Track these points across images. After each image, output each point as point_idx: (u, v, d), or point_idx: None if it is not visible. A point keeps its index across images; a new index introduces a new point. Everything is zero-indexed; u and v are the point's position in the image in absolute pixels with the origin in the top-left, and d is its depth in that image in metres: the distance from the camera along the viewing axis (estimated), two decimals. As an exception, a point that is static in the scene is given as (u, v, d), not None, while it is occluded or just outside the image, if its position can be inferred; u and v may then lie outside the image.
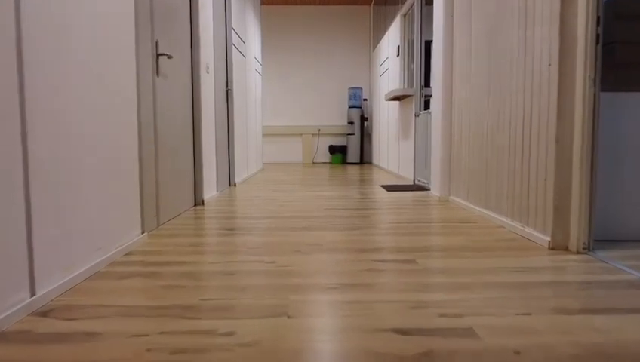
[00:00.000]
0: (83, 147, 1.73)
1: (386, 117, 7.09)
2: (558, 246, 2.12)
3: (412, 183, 5.11)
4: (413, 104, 5.14)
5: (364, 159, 9.29)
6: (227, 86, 4.86)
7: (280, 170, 7.53)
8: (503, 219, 2.65)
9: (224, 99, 4.69)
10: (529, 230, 2.33)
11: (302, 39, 9.25)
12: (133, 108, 2.22)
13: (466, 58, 3.31)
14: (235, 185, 4.99)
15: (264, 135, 9.30)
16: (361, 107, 8.85)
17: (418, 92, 5.06)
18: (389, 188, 4.70)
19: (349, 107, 8.85)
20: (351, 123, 8.80)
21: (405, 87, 5.68)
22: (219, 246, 2.23)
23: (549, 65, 2.14)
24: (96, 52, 1.85)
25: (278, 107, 9.34)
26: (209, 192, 3.83)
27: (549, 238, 2.13)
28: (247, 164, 5.93)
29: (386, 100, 5.98)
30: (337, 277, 1.71)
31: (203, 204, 3.60)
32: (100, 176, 1.86)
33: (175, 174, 3.05)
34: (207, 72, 3.81)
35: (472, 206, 3.17)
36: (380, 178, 5.92)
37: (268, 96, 9.31)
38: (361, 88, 8.85)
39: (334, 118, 9.36)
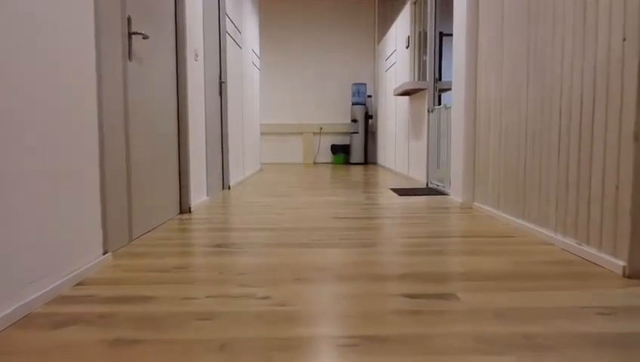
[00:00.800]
0: (20, 148, 1.25)
1: (393, 114, 6.61)
2: (638, 273, 1.64)
3: (425, 186, 4.63)
4: (426, 99, 4.67)
5: (369, 159, 8.82)
6: (220, 78, 4.38)
7: (279, 170, 7.06)
8: (550, 233, 2.18)
9: (216, 93, 4.21)
10: (590, 250, 1.85)
11: (303, 32, 8.78)
12: (90, 98, 1.75)
13: (496, 44, 2.84)
14: (229, 188, 4.52)
15: (262, 133, 8.82)
16: (365, 104, 8.38)
17: (432, 85, 4.59)
18: (401, 191, 4.22)
19: (353, 104, 8.37)
20: (354, 121, 8.32)
21: (416, 80, 5.20)
22: (199, 271, 1.75)
23: (624, 39, 1.66)
24: (30, 25, 1.37)
25: (277, 104, 8.87)
26: (198, 198, 3.35)
27: (623, 263, 1.65)
28: (244, 164, 5.46)
29: (395, 95, 5.51)
30: (355, 325, 1.24)
31: (190, 211, 3.13)
32: (42, 184, 1.38)
33: (155, 178, 2.57)
34: (196, 60, 3.33)
35: (505, 215, 2.70)
36: (387, 180, 5.45)
37: (267, 92, 8.83)
38: (365, 84, 8.37)
39: (337, 115, 8.88)
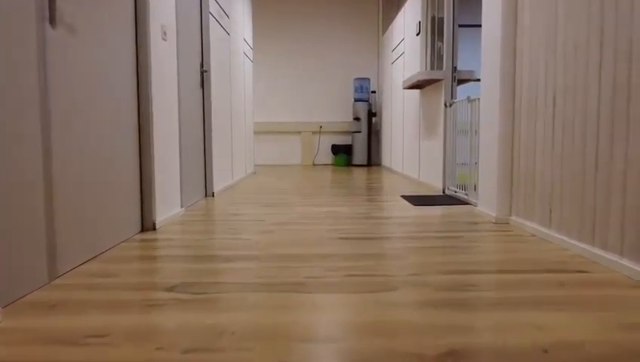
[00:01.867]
0: None
1: (401, 110, 5.96)
2: None
3: (442, 193, 3.98)
4: (442, 91, 4.02)
5: (372, 160, 8.17)
6: (202, 66, 3.73)
7: (275, 173, 6.41)
8: (647, 270, 1.53)
9: (197, 84, 3.56)
10: None
11: (300, 23, 8.13)
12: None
13: (546, 18, 2.19)
14: (213, 195, 3.86)
15: (257, 133, 8.17)
16: (368, 100, 7.73)
17: (449, 76, 3.94)
18: (415, 200, 3.57)
19: (355, 100, 7.73)
20: (357, 119, 7.67)
21: (429, 70, 4.54)
22: (124, 344, 1.10)
23: None
24: None
25: (273, 101, 8.21)
26: (167, 211, 2.70)
27: None
28: (233, 167, 4.81)
29: (404, 88, 4.87)
30: None
31: (154, 229, 2.48)
32: None
33: (101, 191, 1.92)
34: (164, 39, 2.68)
35: (561, 237, 2.05)
36: (396, 185, 4.79)
37: (261, 87, 8.18)
38: (369, 79, 7.72)
39: (338, 113, 8.23)
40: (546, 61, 2.20)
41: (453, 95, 3.95)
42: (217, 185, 4.03)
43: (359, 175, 6.06)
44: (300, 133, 8.22)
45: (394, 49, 6.48)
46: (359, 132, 7.69)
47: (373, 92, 8.06)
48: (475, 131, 3.25)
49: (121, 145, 2.17)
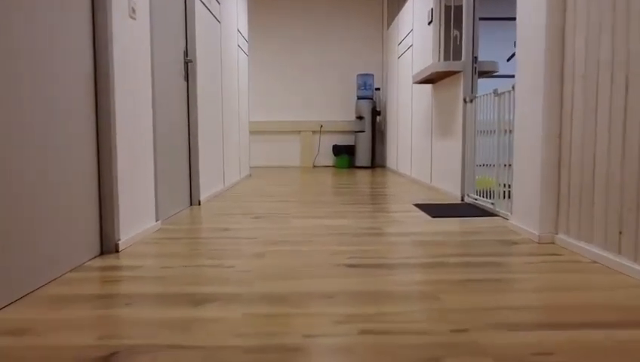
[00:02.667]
0: None
1: (409, 107, 5.47)
2: None
3: (460, 201, 3.50)
4: (461, 85, 3.53)
5: (376, 162, 7.69)
6: (186, 55, 3.25)
7: (272, 176, 5.92)
8: None
9: (179, 75, 3.08)
10: None
11: (300, 16, 7.64)
12: None
13: (615, -25, 1.70)
14: (199, 203, 3.38)
15: (253, 132, 7.69)
16: (372, 98, 7.24)
17: (469, 67, 3.45)
18: (431, 210, 3.08)
19: (358, 98, 7.24)
20: (360, 117, 7.18)
21: (444, 61, 4.04)
22: None
23: None
24: None
25: (270, 98, 7.73)
26: (136, 226, 2.22)
27: None
28: (224, 171, 4.32)
29: (414, 83, 4.39)
30: None
31: (117, 251, 2.00)
32: None
33: (38, 201, 1.44)
34: (133, 17, 2.20)
35: (637, 267, 1.56)
36: (406, 190, 4.31)
37: (258, 84, 7.69)
38: (373, 75, 7.23)
39: (339, 111, 7.75)
40: (612, 33, 1.72)
41: (473, 89, 3.46)
42: (205, 192, 3.54)
43: (363, 178, 5.58)
44: (299, 132, 7.74)
45: (400, 42, 5.99)
46: (362, 131, 7.20)
47: (378, 89, 7.58)
48: (506, 130, 2.77)
49: (71, 153, 1.69)
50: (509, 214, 2.52)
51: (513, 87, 2.53)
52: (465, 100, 3.46)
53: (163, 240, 2.22)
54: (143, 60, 2.32)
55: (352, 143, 7.72)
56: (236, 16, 4.96)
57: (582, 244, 1.91)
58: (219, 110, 4.09)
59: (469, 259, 1.85)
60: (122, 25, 2.07)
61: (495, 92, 2.90)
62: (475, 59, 3.44)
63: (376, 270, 1.71)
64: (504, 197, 2.83)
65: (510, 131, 2.64)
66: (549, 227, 2.13)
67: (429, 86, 4.54)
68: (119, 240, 2.01)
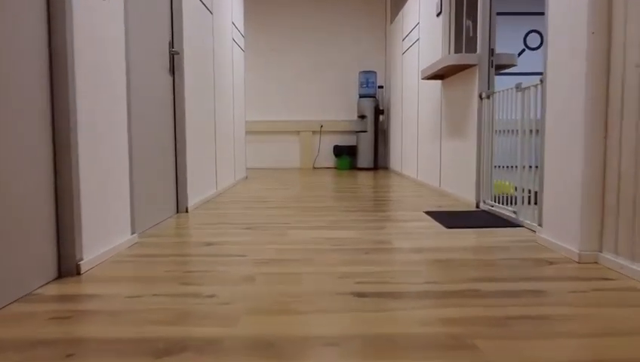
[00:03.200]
0: None
1: (415, 105, 5.15)
2: None
3: (476, 208, 3.17)
4: (476, 80, 3.21)
5: (379, 163, 7.36)
6: (171, 46, 2.92)
7: (269, 179, 5.59)
8: None
9: (163, 69, 2.75)
10: None
11: (299, 11, 7.31)
12: None
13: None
14: (186, 211, 3.05)
15: (250, 133, 7.36)
16: (375, 96, 6.92)
17: (486, 60, 3.13)
18: (443, 219, 2.76)
19: (360, 97, 6.92)
20: (362, 117, 6.86)
21: (455, 54, 3.71)
22: None
23: None
24: None
25: (268, 97, 7.40)
26: (105, 242, 1.89)
27: None
28: (217, 174, 3.99)
29: (423, 79, 4.06)
30: None
31: (78, 273, 1.67)
32: None
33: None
34: (100, -3, 1.87)
35: None
36: (413, 196, 3.98)
37: (255, 81, 7.37)
38: (375, 73, 6.91)
39: (341, 110, 7.42)
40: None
41: (490, 84, 3.14)
42: (194, 198, 3.22)
43: (366, 181, 5.25)
44: (298, 133, 7.41)
45: (405, 37, 5.67)
46: (365, 131, 6.88)
47: (381, 87, 7.25)
48: (531, 131, 2.44)
49: (11, 150, 1.36)
50: (537, 226, 2.20)
51: (541, 81, 2.20)
52: (481, 96, 3.13)
53: (136, 259, 1.89)
54: (114, 48, 1.99)
55: (354, 144, 7.40)
56: (231, 7, 4.64)
57: (636, 266, 1.58)
58: (211, 108, 3.76)
59: (502, 286, 1.52)
60: (87, 5, 1.74)
61: (518, 87, 2.58)
62: (491, 51, 3.12)
63: (390, 301, 1.38)
64: (529, 202, 2.51)
65: (535, 131, 2.32)
66: (592, 244, 1.81)
67: (438, 82, 4.21)
68: (81, 260, 1.69)
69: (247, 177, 5.71)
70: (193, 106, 3.22)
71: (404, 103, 5.77)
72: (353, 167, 7.26)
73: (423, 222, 2.69)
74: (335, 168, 7.34)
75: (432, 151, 4.41)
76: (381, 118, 7.34)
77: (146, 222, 2.47)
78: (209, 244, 2.14)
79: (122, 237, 2.06)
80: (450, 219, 2.73)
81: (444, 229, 2.48)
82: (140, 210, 2.35)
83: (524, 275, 1.64)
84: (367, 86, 6.87)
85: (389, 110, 7.00)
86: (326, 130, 7.38)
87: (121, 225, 2.06)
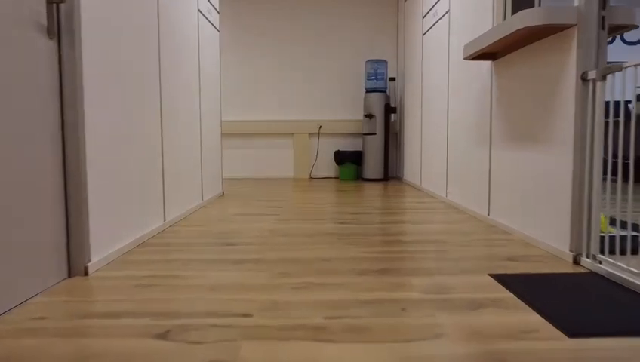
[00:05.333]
0: None
1: (442, 100, 3.88)
2: None
3: (573, 262, 1.90)
4: (573, 51, 1.94)
5: (390, 173, 6.11)
6: (46, -13, 1.65)
7: (251, 196, 4.33)
8: None
9: (31, 27, 1.48)
10: None
11: (293, -11, 6.06)
12: None
13: None
14: (85, 272, 1.78)
15: (230, 136, 6.10)
16: (385, 91, 5.66)
17: (594, 16, 1.87)
18: (538, 298, 1.49)
19: (367, 91, 5.66)
20: (369, 116, 5.60)
21: (502, 20, 2.43)
22: None
23: None
24: None
25: (253, 91, 6.13)
26: None
27: None
28: (165, 198, 2.72)
29: (467, 58, 2.81)
30: None
31: None
32: None
33: None
34: None
35: None
36: (453, 232, 2.72)
37: (236, 73, 6.10)
38: (386, 62, 5.65)
39: (343, 108, 6.15)
40: None
41: (600, 56, 1.87)
42: (107, 246, 1.95)
43: (378, 200, 3.99)
44: (292, 135, 6.15)
45: (426, 13, 4.42)
46: (373, 134, 5.62)
47: (393, 79, 5.98)
48: None
49: None
50: None
51: None
52: (584, 78, 1.87)
53: None
54: None
55: (360, 149, 6.14)
56: (193, -35, 3.38)
57: None
58: (153, 102, 2.49)
59: None
60: None
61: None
62: (602, 3, 1.85)
63: None
64: None
65: None
66: None
67: (484, 65, 2.95)
68: None
69: (223, 194, 4.45)
70: (107, 98, 1.95)
71: (426, 98, 4.51)
72: (358, 177, 5.99)
73: (501, 308, 1.42)
74: (337, 178, 6.08)
75: (474, 163, 3.14)
76: (393, 117, 6.08)
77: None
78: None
79: None
80: (551, 298, 1.47)
81: (560, 335, 1.22)
82: None
83: None
84: (375, 78, 5.61)
85: (402, 107, 5.73)
86: (325, 131, 6.11)
87: None
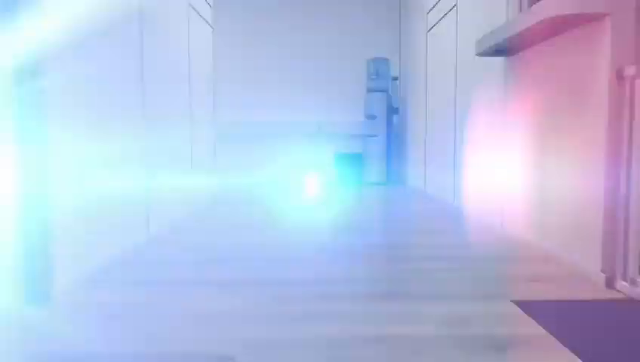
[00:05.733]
0: None
1: (450, 99, 3.65)
2: None
3: (607, 287, 1.66)
4: (607, 44, 1.70)
5: (393, 176, 5.86)
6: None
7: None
8: None
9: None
10: None
11: (291, -16, 5.82)
12: None
13: None
14: None
15: (223, 137, 5.86)
16: (387, 91, 5.42)
17: (633, 2, 1.63)
18: (575, 342, 1.25)
19: (369, 91, 5.42)
20: (371, 117, 5.36)
21: (519, 11, 2.18)
22: None
23: None
24: None
25: (248, 91, 5.88)
26: None
27: None
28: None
29: (479, 55, 2.57)
30: None
31: None
32: None
33: None
34: None
35: None
36: (469, 246, 2.49)
37: (230, 72, 5.85)
38: (388, 60, 5.41)
39: (343, 109, 5.90)
40: None
41: (638, 51, 1.63)
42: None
43: (386, 209, 3.75)
44: (287, 137, 5.90)
45: (432, 8, 4.18)
46: (374, 136, 5.37)
47: (395, 78, 5.74)
48: None
49: None
50: None
51: None
52: (619, 75, 1.63)
53: None
54: None
55: (360, 151, 5.89)
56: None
57: None
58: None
59: None
60: None
61: None
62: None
63: None
64: None
65: None
66: None
67: (497, 61, 2.71)
68: None
69: (212, 205, 4.21)
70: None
71: (431, 99, 4.28)
72: (359, 180, 5.75)
73: (533, 348, 1.18)
74: (336, 182, 5.84)
75: (487, 169, 2.91)
76: (395, 118, 5.84)
77: None
78: None
79: None
80: (599, 342, 1.23)
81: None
82: None
83: None
84: (377, 77, 5.37)
85: (406, 108, 5.50)
86: (325, 133, 5.86)
87: None
